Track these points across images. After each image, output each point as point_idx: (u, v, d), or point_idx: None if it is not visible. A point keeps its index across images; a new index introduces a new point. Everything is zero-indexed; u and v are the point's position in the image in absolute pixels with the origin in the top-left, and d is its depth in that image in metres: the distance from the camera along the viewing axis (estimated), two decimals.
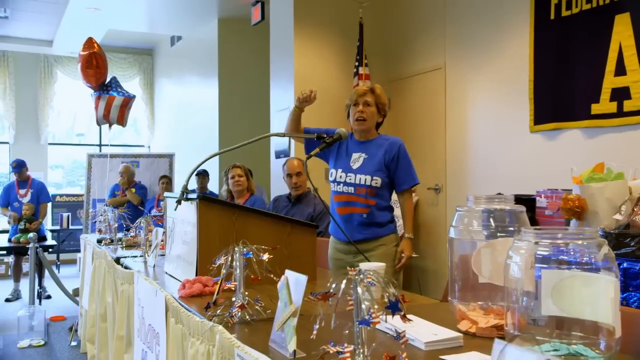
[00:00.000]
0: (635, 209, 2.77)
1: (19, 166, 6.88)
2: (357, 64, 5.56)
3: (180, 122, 9.74)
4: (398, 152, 2.89)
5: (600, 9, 3.86)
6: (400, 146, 2.91)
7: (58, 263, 9.29)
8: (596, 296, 1.15)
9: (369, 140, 2.96)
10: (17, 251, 6.63)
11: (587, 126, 3.95)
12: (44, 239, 6.75)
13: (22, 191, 6.91)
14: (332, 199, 3.01)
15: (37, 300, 5.78)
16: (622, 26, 3.70)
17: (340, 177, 2.94)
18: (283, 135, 2.88)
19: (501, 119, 4.70)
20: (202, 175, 7.05)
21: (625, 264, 2.69)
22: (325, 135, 2.70)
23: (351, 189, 2.90)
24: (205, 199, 2.23)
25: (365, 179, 2.86)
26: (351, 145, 2.99)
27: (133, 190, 6.91)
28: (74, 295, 5.73)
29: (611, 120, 3.78)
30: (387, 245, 2.91)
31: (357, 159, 2.93)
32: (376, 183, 2.86)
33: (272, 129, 6.04)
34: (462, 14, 5.10)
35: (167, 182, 7.06)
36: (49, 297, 6.90)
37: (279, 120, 5.89)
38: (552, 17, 4.19)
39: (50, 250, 6.71)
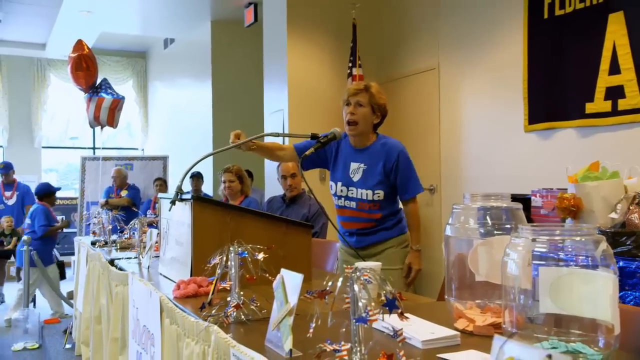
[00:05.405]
0: (630, 208, 2.77)
1: (6, 168, 6.93)
2: (350, 64, 5.55)
3: (174, 124, 9.71)
4: (397, 161, 2.65)
5: (594, 8, 3.87)
6: (399, 153, 2.67)
7: None
8: (595, 293, 1.14)
9: (366, 148, 2.73)
10: (2, 254, 6.61)
11: (581, 125, 3.96)
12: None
13: (7, 193, 6.98)
14: (336, 211, 2.85)
15: (30, 304, 5.74)
16: (615, 25, 3.71)
17: (342, 191, 2.75)
18: (277, 135, 2.81)
19: (495, 119, 4.70)
20: (196, 177, 7.03)
21: (621, 263, 2.69)
22: (320, 135, 2.67)
23: (353, 204, 2.73)
24: (200, 199, 2.22)
25: (367, 194, 2.68)
26: (348, 153, 2.76)
27: (125, 192, 6.89)
28: (69, 298, 5.70)
29: (606, 119, 3.79)
30: (395, 247, 2.76)
31: (357, 169, 2.72)
32: (378, 197, 2.68)
33: (266, 130, 6.01)
34: (456, 14, 5.10)
35: (161, 184, 7.04)
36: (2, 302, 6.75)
37: (272, 121, 5.88)
38: (546, 16, 4.20)
39: None
